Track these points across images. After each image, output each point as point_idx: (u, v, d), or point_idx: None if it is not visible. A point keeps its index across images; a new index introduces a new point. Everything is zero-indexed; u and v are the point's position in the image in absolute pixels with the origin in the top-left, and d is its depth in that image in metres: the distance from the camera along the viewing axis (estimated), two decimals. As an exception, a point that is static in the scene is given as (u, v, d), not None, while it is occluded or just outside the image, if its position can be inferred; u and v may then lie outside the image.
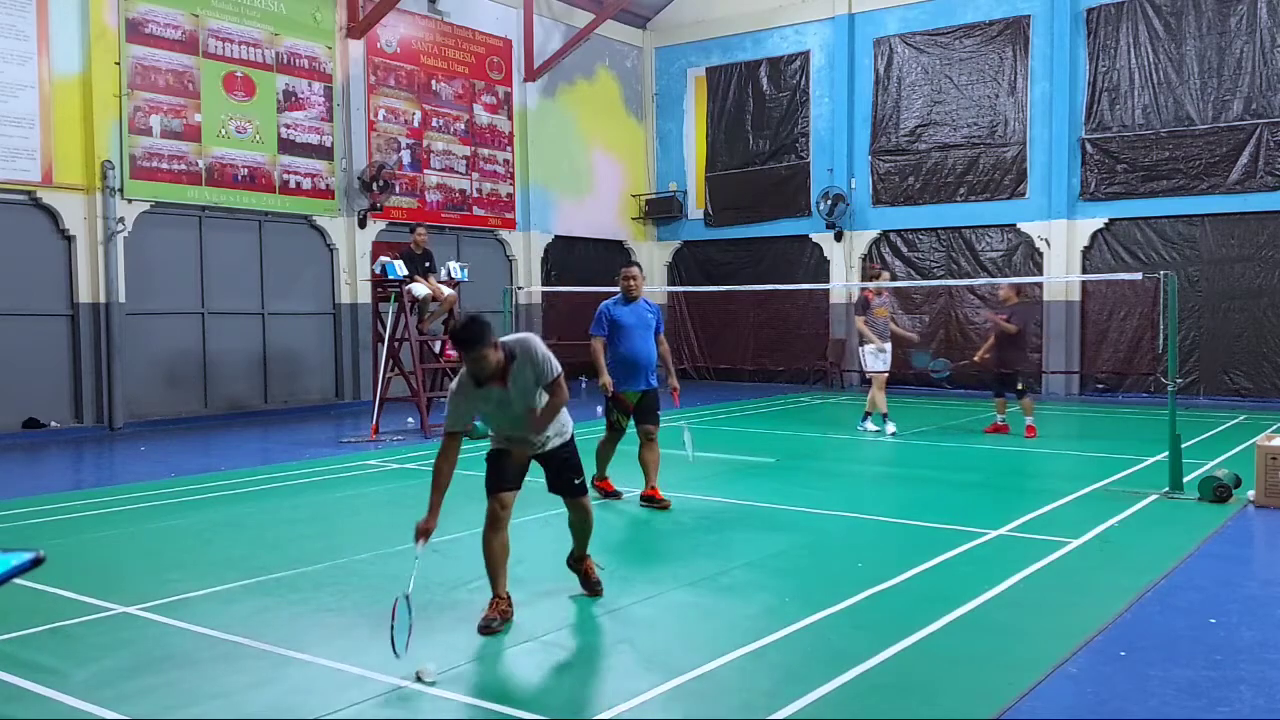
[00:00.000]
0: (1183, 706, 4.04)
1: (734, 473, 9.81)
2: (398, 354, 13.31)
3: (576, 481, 5.51)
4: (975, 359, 13.46)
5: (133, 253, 14.11)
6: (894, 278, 18.10)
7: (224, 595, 5.73)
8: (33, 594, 5.80)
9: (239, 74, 15.27)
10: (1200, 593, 5.62)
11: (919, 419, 14.09)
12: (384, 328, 13.21)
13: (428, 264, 13.44)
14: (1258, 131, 16.11)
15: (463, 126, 18.77)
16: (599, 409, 9.45)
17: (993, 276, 18.16)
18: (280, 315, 16.07)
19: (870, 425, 12.70)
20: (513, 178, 19.78)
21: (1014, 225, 18.27)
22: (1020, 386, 12.41)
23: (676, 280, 22.08)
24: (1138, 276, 9.38)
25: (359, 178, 16.74)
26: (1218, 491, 8.03)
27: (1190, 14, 16.62)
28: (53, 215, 13.46)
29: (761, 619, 5.18)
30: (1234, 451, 10.65)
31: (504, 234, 19.61)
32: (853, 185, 19.86)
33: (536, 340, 5.23)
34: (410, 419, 14.05)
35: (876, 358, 12.54)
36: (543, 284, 19.48)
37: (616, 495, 8.43)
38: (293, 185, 16.01)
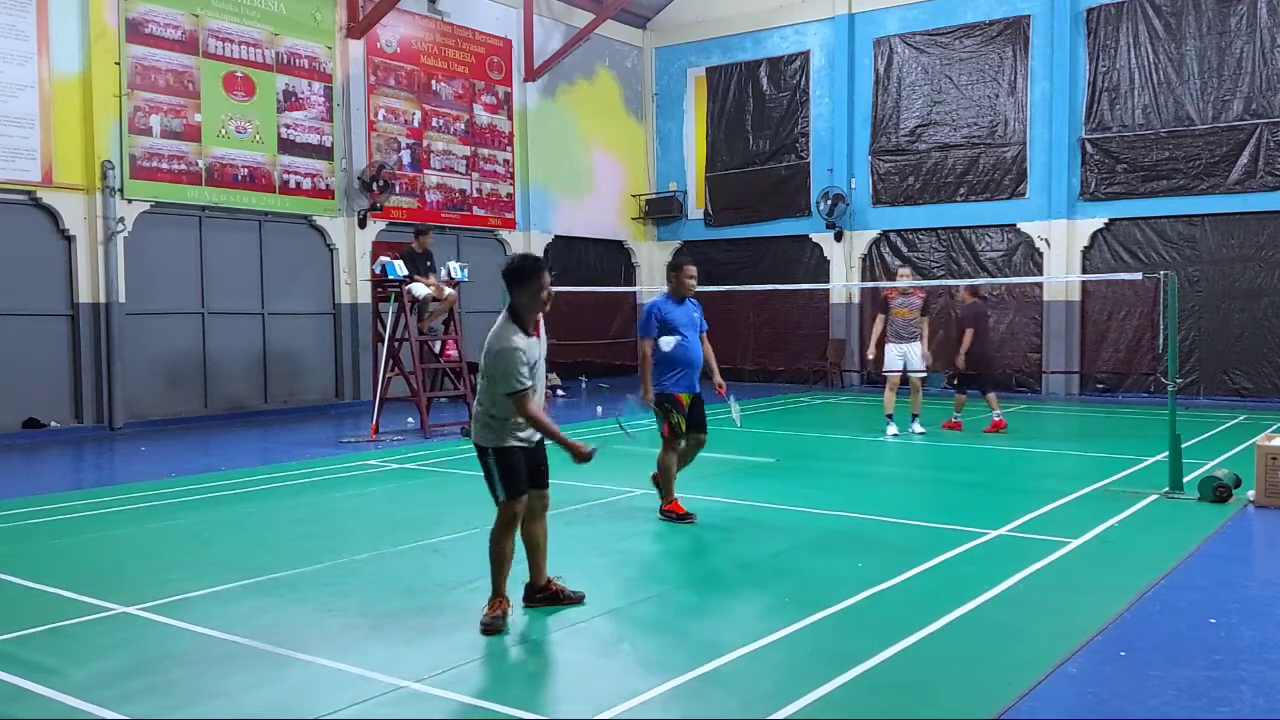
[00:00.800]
0: (1183, 706, 4.04)
1: (734, 473, 9.80)
2: (398, 354, 13.31)
3: (544, 469, 5.41)
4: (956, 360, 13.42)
5: (133, 253, 14.11)
6: (921, 276, 17.88)
7: (224, 595, 5.73)
8: (33, 594, 5.80)
9: (239, 74, 15.27)
10: (1200, 593, 5.62)
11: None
12: (384, 328, 13.20)
13: (429, 263, 13.44)
14: (1258, 131, 16.11)
15: (463, 126, 18.77)
16: (637, 422, 8.79)
17: (993, 276, 18.18)
18: (280, 315, 16.07)
19: (918, 427, 12.59)
20: (513, 178, 19.78)
21: (1014, 225, 18.26)
22: (956, 382, 13.04)
23: (676, 280, 22.03)
24: (1138, 276, 9.38)
25: (359, 178, 16.74)
26: (1218, 491, 8.03)
27: (1190, 14, 16.62)
28: (53, 215, 13.46)
29: (761, 619, 5.18)
30: (1234, 451, 10.64)
31: (504, 234, 19.61)
32: (853, 185, 19.86)
33: None
34: (410, 419, 14.05)
35: (893, 358, 12.49)
36: (543, 284, 19.44)
37: (689, 518, 7.52)
38: (293, 185, 16.01)
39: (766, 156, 21.05)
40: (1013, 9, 18.20)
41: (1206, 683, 4.28)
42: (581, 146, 21.23)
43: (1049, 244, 17.80)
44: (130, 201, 14.05)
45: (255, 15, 15.47)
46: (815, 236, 20.36)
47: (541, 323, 5.32)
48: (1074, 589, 5.76)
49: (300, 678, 4.46)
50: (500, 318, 5.17)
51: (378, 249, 16.33)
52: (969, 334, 12.81)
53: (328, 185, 16.52)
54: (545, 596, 5.42)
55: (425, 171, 18.13)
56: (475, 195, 19.05)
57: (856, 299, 19.89)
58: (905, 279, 13.43)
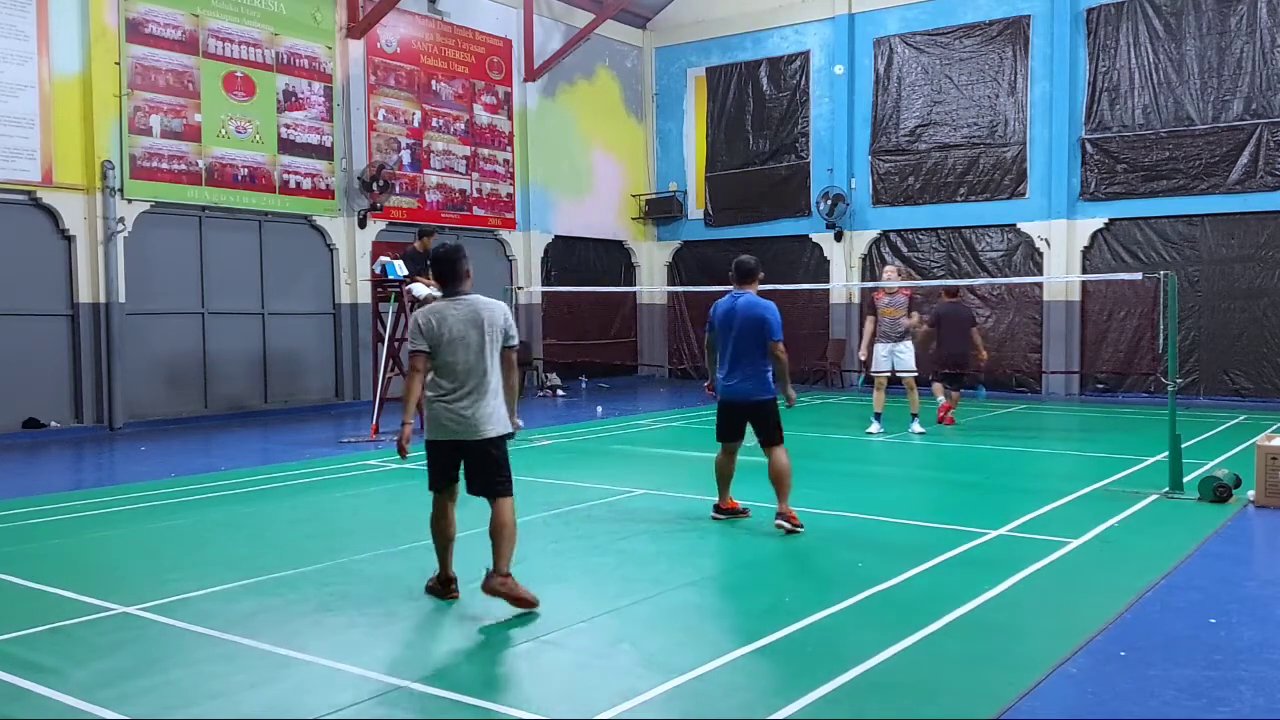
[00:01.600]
0: (1183, 706, 4.04)
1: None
2: (398, 354, 13.28)
3: (499, 481, 5.41)
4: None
5: (133, 253, 14.10)
6: (906, 275, 17.89)
7: (224, 595, 5.73)
8: (33, 594, 5.80)
9: (239, 74, 15.27)
10: (1200, 593, 5.62)
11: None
12: (384, 328, 13.20)
13: (429, 262, 13.41)
14: (1258, 131, 16.11)
15: (463, 126, 18.76)
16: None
17: (993, 277, 18.18)
18: (280, 315, 16.07)
19: (917, 426, 12.63)
20: (513, 178, 19.78)
21: (1014, 225, 18.26)
22: (930, 378, 13.61)
23: (676, 280, 22.07)
24: (1138, 276, 9.37)
25: (359, 178, 16.74)
26: (1218, 491, 8.03)
27: (1190, 14, 16.61)
28: (53, 215, 13.46)
29: (761, 619, 5.18)
30: (1234, 451, 10.64)
31: (504, 234, 19.60)
32: (853, 185, 19.85)
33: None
34: (410, 419, 14.02)
35: (880, 358, 12.58)
36: (543, 284, 19.49)
37: (744, 513, 7.71)
38: (293, 185, 16.01)
39: (766, 156, 21.04)
40: (1013, 9, 18.20)
41: (1206, 683, 4.28)
42: (581, 146, 21.22)
43: (1049, 244, 17.80)
44: (130, 201, 14.05)
45: (255, 15, 15.47)
46: (815, 236, 20.36)
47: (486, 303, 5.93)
48: (1074, 589, 5.76)
49: (300, 677, 4.46)
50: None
51: (378, 249, 16.33)
52: (924, 332, 13.17)
53: (328, 185, 16.52)
54: (499, 588, 5.29)
55: (425, 171, 18.12)
56: (475, 195, 19.05)
57: (856, 299, 19.88)
58: (891, 277, 13.47)
